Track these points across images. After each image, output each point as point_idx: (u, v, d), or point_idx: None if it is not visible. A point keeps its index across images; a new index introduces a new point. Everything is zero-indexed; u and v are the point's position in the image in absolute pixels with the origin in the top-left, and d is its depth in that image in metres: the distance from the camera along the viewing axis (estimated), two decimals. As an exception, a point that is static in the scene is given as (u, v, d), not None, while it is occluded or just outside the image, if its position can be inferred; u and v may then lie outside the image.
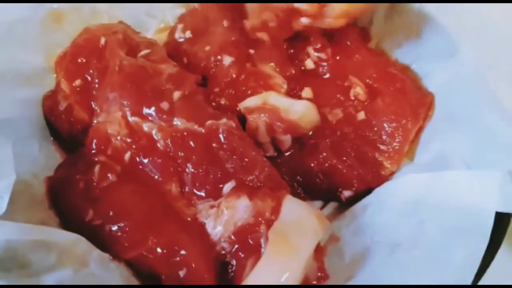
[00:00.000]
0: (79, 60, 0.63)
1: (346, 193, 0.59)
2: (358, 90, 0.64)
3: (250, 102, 0.60)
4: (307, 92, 0.64)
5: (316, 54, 0.69)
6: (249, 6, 0.68)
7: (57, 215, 0.56)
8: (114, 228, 0.52)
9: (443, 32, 0.63)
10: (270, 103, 0.59)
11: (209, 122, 0.56)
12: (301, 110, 0.59)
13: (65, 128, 0.62)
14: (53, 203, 0.57)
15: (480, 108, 0.56)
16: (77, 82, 0.62)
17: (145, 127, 0.57)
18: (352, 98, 0.64)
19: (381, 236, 0.53)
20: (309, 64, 0.69)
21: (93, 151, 0.57)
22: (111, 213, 0.53)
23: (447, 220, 0.49)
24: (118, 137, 0.57)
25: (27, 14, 0.67)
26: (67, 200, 0.56)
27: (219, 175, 0.55)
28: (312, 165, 0.60)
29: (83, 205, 0.54)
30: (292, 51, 0.70)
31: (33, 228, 0.48)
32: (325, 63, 0.69)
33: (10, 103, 0.60)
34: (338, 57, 0.69)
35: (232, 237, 0.50)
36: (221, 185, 0.54)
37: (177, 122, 0.57)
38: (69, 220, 0.55)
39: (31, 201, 0.55)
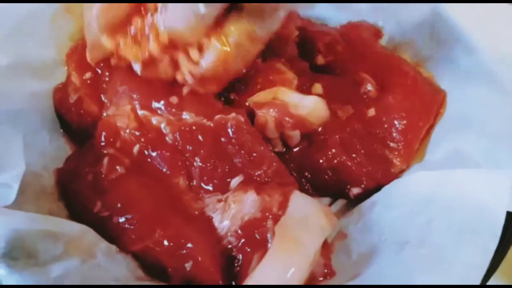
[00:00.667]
0: (90, 53, 0.64)
1: (355, 190, 0.59)
2: (369, 87, 0.63)
3: (259, 97, 0.60)
4: (317, 88, 0.63)
5: (327, 49, 0.68)
6: None
7: (66, 206, 0.57)
8: (122, 220, 0.52)
9: (457, 30, 0.62)
10: (279, 98, 0.59)
11: (217, 116, 0.56)
12: (310, 105, 0.58)
13: (75, 121, 0.63)
14: (62, 194, 0.57)
15: (492, 108, 0.55)
16: (88, 75, 0.63)
17: (154, 120, 0.57)
18: (363, 95, 0.64)
19: (389, 234, 0.52)
20: (320, 59, 0.69)
21: (102, 144, 0.58)
22: (119, 205, 0.53)
23: (457, 219, 0.49)
24: (127, 130, 0.57)
25: (38, 7, 0.67)
26: (75, 192, 0.56)
27: (227, 170, 0.55)
28: (320, 161, 0.59)
29: (91, 197, 0.55)
30: (303, 46, 0.70)
31: (42, 218, 0.49)
32: (336, 59, 0.68)
33: (21, 95, 0.60)
34: (349, 53, 0.68)
35: (239, 231, 0.50)
36: (228, 179, 0.54)
37: (186, 116, 0.57)
38: (77, 211, 0.56)
39: (40, 192, 0.55)
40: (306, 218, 0.49)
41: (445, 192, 0.51)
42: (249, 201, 0.51)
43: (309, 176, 0.60)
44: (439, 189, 0.51)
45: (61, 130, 0.64)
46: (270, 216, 0.49)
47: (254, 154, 0.55)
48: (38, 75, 0.65)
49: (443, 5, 0.64)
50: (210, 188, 0.54)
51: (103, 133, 0.58)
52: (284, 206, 0.49)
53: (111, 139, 0.57)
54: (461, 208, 0.49)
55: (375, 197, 0.57)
